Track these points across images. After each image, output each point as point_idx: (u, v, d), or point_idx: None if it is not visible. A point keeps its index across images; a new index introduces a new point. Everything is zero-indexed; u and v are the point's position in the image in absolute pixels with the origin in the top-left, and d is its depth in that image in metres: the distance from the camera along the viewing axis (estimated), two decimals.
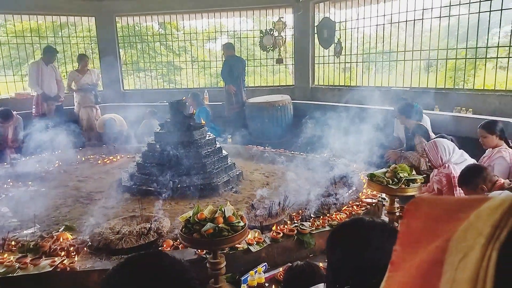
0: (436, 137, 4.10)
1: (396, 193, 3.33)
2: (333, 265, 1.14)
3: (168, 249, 3.11)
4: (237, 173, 5.19)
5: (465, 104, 5.62)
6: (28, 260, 2.85)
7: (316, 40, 8.04)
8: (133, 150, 6.60)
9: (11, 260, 2.86)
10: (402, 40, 7.15)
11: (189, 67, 9.64)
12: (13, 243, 3.30)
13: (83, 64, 7.48)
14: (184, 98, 5.34)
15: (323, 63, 8.13)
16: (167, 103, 5.50)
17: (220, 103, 7.98)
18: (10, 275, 2.72)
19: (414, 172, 3.51)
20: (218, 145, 5.30)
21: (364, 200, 3.84)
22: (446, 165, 3.25)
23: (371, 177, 3.46)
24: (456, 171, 3.14)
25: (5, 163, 5.67)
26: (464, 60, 6.26)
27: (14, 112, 6.59)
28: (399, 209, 3.58)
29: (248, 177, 5.32)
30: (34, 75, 7.03)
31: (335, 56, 7.67)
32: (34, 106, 7.10)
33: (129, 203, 4.34)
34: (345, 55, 7.61)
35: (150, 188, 4.63)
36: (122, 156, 6.56)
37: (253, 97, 7.77)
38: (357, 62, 7.64)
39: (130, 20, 9.13)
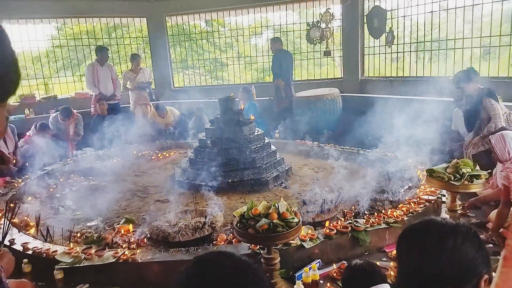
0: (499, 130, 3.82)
1: (458, 190, 3.14)
2: (406, 271, 1.09)
3: (222, 243, 3.17)
4: (286, 168, 5.17)
5: None
6: (92, 251, 3.02)
7: (366, 30, 7.77)
8: (185, 146, 6.79)
9: (78, 251, 3.05)
10: (457, 27, 6.72)
11: (235, 63, 9.73)
12: (78, 235, 3.53)
13: (135, 64, 7.80)
14: (231, 94, 5.39)
15: (373, 54, 7.85)
16: (216, 100, 5.60)
17: (267, 98, 7.99)
18: (77, 265, 2.90)
19: (478, 168, 3.30)
20: (266, 140, 5.31)
21: (422, 197, 3.66)
22: None
23: (431, 173, 3.29)
24: None
25: (68, 159, 6.06)
26: None
27: (75, 111, 7.02)
28: (461, 207, 3.39)
29: (297, 173, 5.28)
30: (90, 76, 7.44)
31: (386, 46, 7.37)
32: (92, 106, 7.52)
33: (182, 197, 4.47)
34: (397, 44, 7.29)
35: (202, 183, 4.74)
36: (175, 151, 6.77)
37: (301, 91, 7.68)
38: (410, 51, 7.28)
39: (179, 19, 9.37)
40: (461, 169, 3.19)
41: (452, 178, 3.17)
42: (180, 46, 10.15)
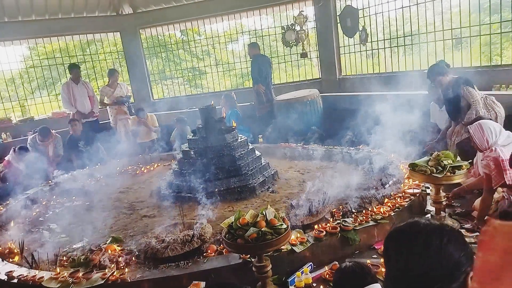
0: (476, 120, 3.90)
1: (441, 182, 3.20)
2: (394, 272, 1.10)
3: (213, 254, 3.13)
4: (272, 173, 5.17)
5: (505, 80, 5.32)
6: (80, 274, 2.95)
7: (340, 30, 7.87)
8: (168, 158, 6.73)
9: (65, 276, 2.97)
10: (428, 19, 6.87)
11: (214, 71, 9.71)
12: (64, 258, 3.43)
13: (113, 79, 7.69)
14: (212, 103, 5.37)
15: (349, 53, 7.95)
16: (197, 109, 5.55)
17: (248, 103, 7.99)
18: None
19: (458, 158, 3.37)
20: (250, 146, 5.30)
21: (407, 191, 3.71)
22: (493, 148, 3.08)
23: (413, 167, 3.35)
24: (505, 153, 2.97)
25: (49, 181, 5.92)
26: (500, 34, 5.93)
27: (53, 131, 6.88)
28: (445, 198, 3.44)
29: (283, 176, 5.29)
30: (66, 95, 7.31)
31: (361, 44, 7.48)
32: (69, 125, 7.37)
33: (169, 211, 4.41)
34: (371, 41, 7.40)
35: (188, 195, 4.70)
36: (159, 164, 6.69)
37: (281, 94, 7.71)
38: (384, 48, 7.41)
39: (153, 31, 9.30)
40: (442, 161, 3.25)
41: (435, 170, 3.23)
42: (156, 57, 10.08)
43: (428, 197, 3.80)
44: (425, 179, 3.26)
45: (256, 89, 7.40)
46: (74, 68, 7.46)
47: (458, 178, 3.20)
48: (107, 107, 7.78)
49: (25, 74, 9.31)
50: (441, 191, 3.35)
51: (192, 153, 5.05)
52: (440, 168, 3.23)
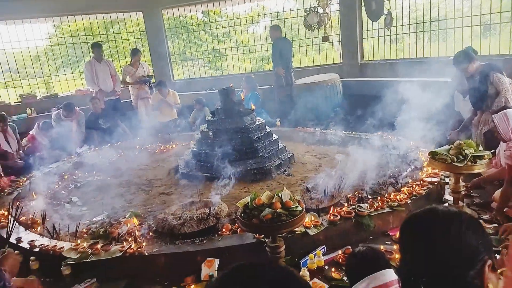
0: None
1: (461, 171, 3.13)
2: (410, 259, 1.08)
3: (227, 233, 3.19)
4: (289, 156, 5.17)
5: None
6: (99, 246, 3.06)
7: (364, 13, 7.67)
8: (187, 138, 6.80)
9: (84, 247, 3.08)
10: (456, 5, 6.61)
11: (234, 53, 9.67)
12: (84, 230, 3.56)
13: (136, 59, 7.75)
14: (231, 84, 5.37)
15: (372, 37, 7.76)
16: (216, 91, 5.57)
17: (267, 86, 7.95)
18: (84, 260, 2.94)
19: (480, 148, 3.28)
20: (268, 129, 5.30)
21: (425, 179, 3.65)
22: None
23: (433, 155, 3.28)
24: None
25: (72, 156, 6.09)
26: None
27: (76, 108, 7.03)
28: (464, 188, 3.38)
29: (299, 160, 5.28)
30: (89, 74, 7.41)
31: (385, 29, 7.28)
32: (90, 103, 7.49)
33: (186, 189, 4.49)
34: (396, 26, 7.20)
35: (205, 174, 4.77)
36: (177, 144, 6.78)
37: (301, 78, 7.63)
38: (409, 32, 7.19)
39: (176, 12, 9.29)
40: (464, 150, 3.17)
41: (455, 159, 3.16)
42: (178, 38, 10.09)
43: (446, 186, 3.74)
44: (445, 167, 3.19)
45: (276, 72, 7.33)
46: (96, 46, 7.54)
47: (479, 168, 3.13)
48: (129, 86, 7.86)
49: (50, 52, 9.49)
50: (460, 180, 3.29)
51: (211, 134, 5.10)
52: (461, 157, 3.15)
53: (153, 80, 8.61)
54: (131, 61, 7.84)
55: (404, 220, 1.18)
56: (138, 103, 7.80)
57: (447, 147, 3.35)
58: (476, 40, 7.07)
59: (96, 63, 7.41)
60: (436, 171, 3.80)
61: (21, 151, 6.22)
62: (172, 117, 7.66)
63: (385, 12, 7.13)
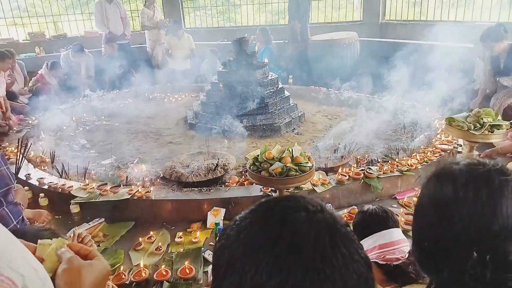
0: None
1: (477, 140, 3.07)
2: (443, 223, 0.89)
3: (234, 185, 3.20)
4: (299, 115, 5.09)
5: None
6: (108, 187, 3.09)
7: None
8: (196, 89, 6.69)
9: (93, 187, 3.11)
10: None
11: (246, 3, 9.28)
12: (93, 172, 3.59)
13: (150, 1, 7.45)
14: (246, 35, 5.18)
15: None
16: (228, 42, 5.38)
17: (281, 41, 7.68)
18: (92, 200, 2.98)
19: (499, 118, 3.19)
20: (280, 86, 5.18)
21: (438, 146, 3.59)
22: None
23: (450, 122, 3.20)
24: None
25: (80, 99, 6.04)
26: None
27: (86, 50, 6.89)
28: (477, 157, 3.32)
29: (310, 119, 5.21)
30: (98, 15, 7.16)
31: None
32: (103, 46, 7.33)
33: (194, 140, 4.48)
34: None
35: (214, 127, 4.72)
36: (186, 94, 6.69)
37: (317, 35, 7.35)
38: None
39: None
40: (482, 119, 3.09)
41: (472, 127, 3.08)
42: None
43: (458, 155, 3.68)
44: (461, 135, 3.12)
45: (292, 26, 7.04)
46: None
47: (496, 137, 3.05)
48: (145, 31, 7.60)
49: None
50: (474, 149, 3.23)
51: (221, 85, 4.99)
52: (478, 125, 3.08)
53: None
54: (145, 3, 7.54)
55: (431, 174, 0.98)
56: (156, 49, 7.58)
57: (465, 114, 3.26)
58: (505, 8, 6.66)
59: (106, 4, 7.14)
60: (450, 138, 3.73)
61: (26, 88, 6.18)
62: (186, 66, 7.46)
63: None
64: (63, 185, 3.17)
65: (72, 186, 3.14)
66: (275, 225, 0.60)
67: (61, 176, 3.42)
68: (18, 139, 3.88)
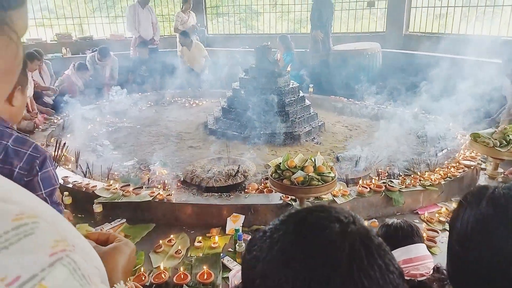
0: None
1: (502, 157, 3.02)
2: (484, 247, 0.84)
3: (253, 192, 3.21)
4: (319, 124, 5.09)
5: None
6: (130, 189, 3.14)
7: None
8: (217, 95, 6.76)
9: (116, 188, 3.17)
10: None
11: (268, 11, 9.36)
12: (115, 173, 3.66)
13: (187, 6, 7.57)
14: (269, 43, 5.22)
15: (421, 7, 7.31)
16: (250, 49, 5.43)
17: (302, 50, 7.70)
18: (116, 201, 3.04)
19: None
20: (301, 94, 5.19)
21: (462, 161, 3.53)
22: None
23: (475, 137, 3.15)
24: None
25: (104, 100, 6.17)
26: None
27: (111, 52, 7.04)
28: (501, 175, 3.26)
29: (330, 129, 5.19)
30: (131, 18, 7.30)
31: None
32: (131, 48, 7.47)
33: (214, 145, 4.52)
34: None
35: (234, 133, 4.76)
36: (207, 100, 6.76)
37: (339, 44, 7.34)
38: (462, 6, 6.73)
39: None
40: (508, 136, 3.04)
41: (498, 144, 3.03)
42: None
43: (482, 171, 3.61)
44: (486, 151, 3.07)
45: (314, 35, 7.06)
46: None
47: None
48: (177, 35, 7.70)
49: None
50: (499, 167, 3.17)
51: (242, 92, 5.03)
52: (504, 142, 3.02)
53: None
54: (181, 7, 7.68)
55: (469, 192, 0.92)
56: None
57: (490, 130, 3.21)
58: None
59: (139, 8, 7.27)
60: (474, 154, 3.66)
61: (54, 86, 6.34)
62: (203, 72, 7.53)
63: None
64: (87, 184, 3.23)
65: (96, 186, 3.20)
66: (310, 238, 0.60)
67: (85, 176, 3.50)
68: (56, 139, 3.96)
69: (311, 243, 0.59)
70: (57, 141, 3.85)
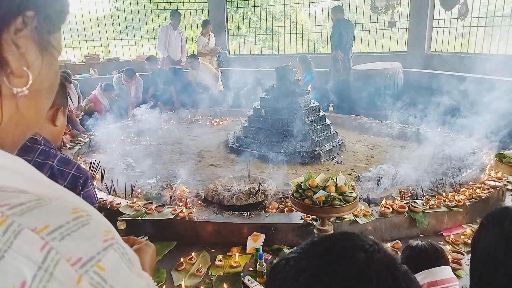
0: None
1: None
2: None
3: (274, 211, 3.21)
4: (340, 143, 5.08)
5: None
6: (153, 206, 3.20)
7: (437, 1, 7.20)
8: (238, 114, 6.85)
9: (140, 205, 3.23)
10: None
11: (289, 32, 9.52)
12: (139, 190, 3.73)
13: (206, 30, 7.89)
14: (290, 63, 5.30)
15: (443, 27, 7.28)
16: (271, 69, 5.52)
17: (322, 70, 7.76)
18: (139, 218, 3.09)
19: None
20: (321, 114, 5.21)
21: (487, 182, 3.45)
22: None
23: (500, 158, 3.08)
24: None
25: (128, 119, 6.35)
26: None
27: (137, 74, 7.29)
28: None
29: (350, 148, 5.17)
30: (163, 38, 7.58)
31: (458, 19, 6.80)
32: (159, 67, 7.70)
33: (235, 164, 4.56)
34: (471, 17, 6.70)
35: (254, 151, 4.80)
36: (227, 119, 6.86)
37: (359, 64, 7.37)
38: (485, 25, 6.68)
39: None
40: None
41: None
42: (234, 12, 10.06)
43: (508, 193, 3.51)
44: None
45: (334, 55, 7.12)
46: (176, 14, 7.67)
47: None
48: (200, 57, 7.95)
49: (111, 17, 9.83)
50: None
51: (263, 112, 5.09)
52: None
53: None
54: (201, 31, 7.96)
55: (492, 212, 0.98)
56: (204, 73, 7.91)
57: None
58: None
59: (171, 30, 7.55)
60: (499, 175, 3.57)
61: (81, 104, 6.57)
62: (218, 88, 7.72)
63: (461, 1, 6.65)
64: (112, 201, 3.31)
65: (120, 203, 3.27)
66: (335, 268, 0.60)
67: (109, 193, 3.59)
68: (91, 161, 4.11)
69: (337, 274, 0.59)
70: (91, 162, 3.98)
